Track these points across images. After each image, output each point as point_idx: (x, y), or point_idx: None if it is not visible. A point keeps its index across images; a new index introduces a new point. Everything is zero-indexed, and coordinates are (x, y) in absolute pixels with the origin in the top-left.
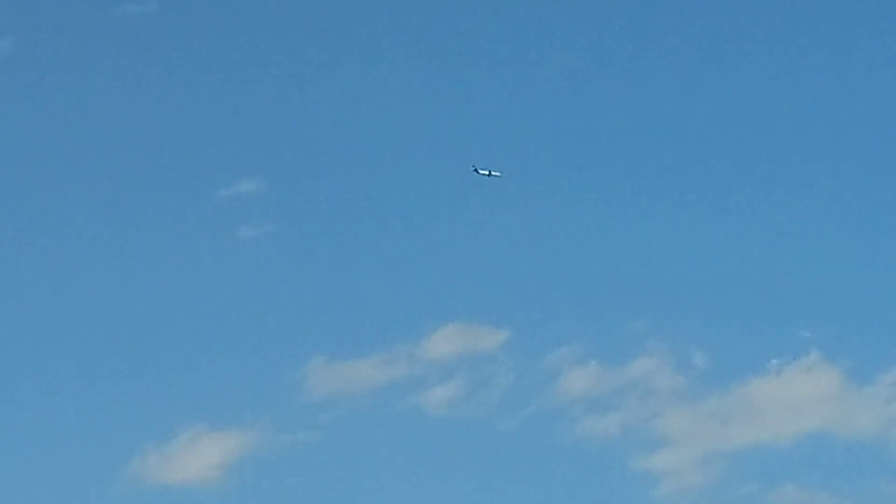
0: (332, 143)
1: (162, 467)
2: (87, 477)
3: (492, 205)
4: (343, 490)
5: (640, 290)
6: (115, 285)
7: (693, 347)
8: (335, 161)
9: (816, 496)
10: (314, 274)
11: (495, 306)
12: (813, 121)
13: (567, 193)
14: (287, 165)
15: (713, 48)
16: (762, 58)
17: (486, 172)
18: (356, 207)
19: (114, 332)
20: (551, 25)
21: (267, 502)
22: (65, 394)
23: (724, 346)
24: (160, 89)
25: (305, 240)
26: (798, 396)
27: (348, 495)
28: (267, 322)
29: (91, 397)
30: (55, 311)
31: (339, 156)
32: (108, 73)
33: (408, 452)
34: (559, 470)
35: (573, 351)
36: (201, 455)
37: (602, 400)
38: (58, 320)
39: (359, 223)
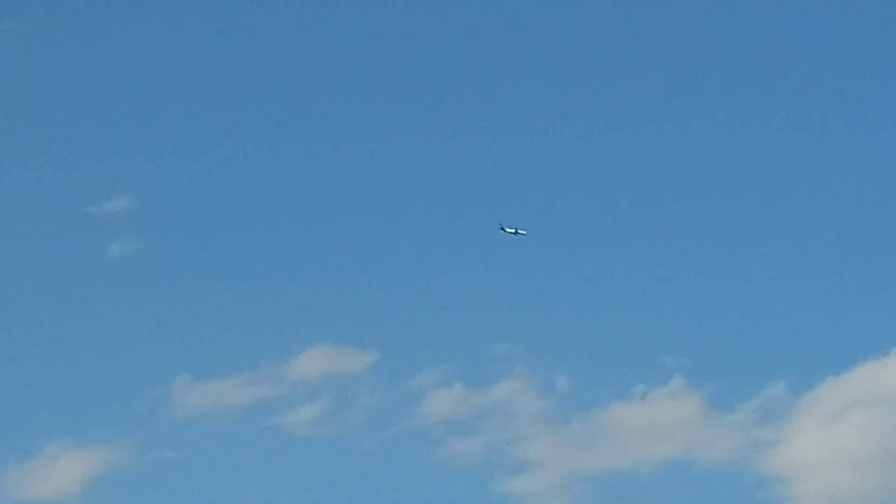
0: (201, 161)
1: (22, 483)
2: None
3: (359, 228)
4: None
5: (506, 314)
6: None
7: (557, 372)
8: (205, 179)
9: None
10: (182, 292)
11: (362, 328)
12: (685, 146)
13: (436, 218)
14: (157, 183)
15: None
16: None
17: None
18: (225, 227)
19: None
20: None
21: None
22: None
23: (588, 372)
24: (29, 105)
25: (174, 258)
26: (660, 422)
27: None
28: (133, 339)
29: None
30: None
31: (210, 175)
32: None
33: (272, 472)
34: (421, 491)
35: (438, 373)
36: (63, 471)
37: (465, 422)
38: None
39: (228, 243)
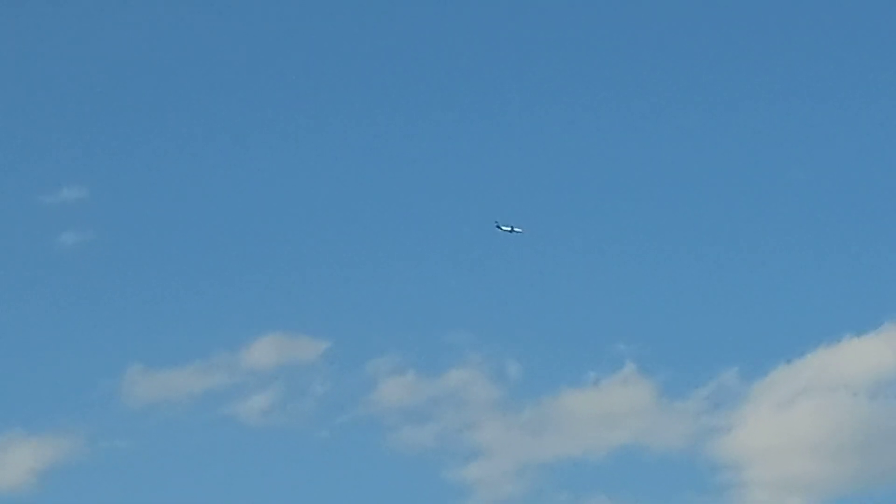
0: (153, 151)
1: None
2: None
3: (311, 217)
4: (159, 497)
5: (458, 302)
6: None
7: (509, 359)
8: (157, 169)
9: None
10: (134, 281)
11: (315, 317)
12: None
13: (388, 207)
14: (110, 173)
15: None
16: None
17: None
18: (178, 217)
19: None
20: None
21: None
22: None
23: (540, 359)
24: None
25: (127, 247)
26: (612, 409)
27: (164, 502)
28: (86, 328)
29: None
30: None
31: (162, 165)
32: None
33: (224, 461)
34: (373, 479)
35: (391, 361)
36: (15, 461)
37: (418, 410)
38: None
39: (180, 233)
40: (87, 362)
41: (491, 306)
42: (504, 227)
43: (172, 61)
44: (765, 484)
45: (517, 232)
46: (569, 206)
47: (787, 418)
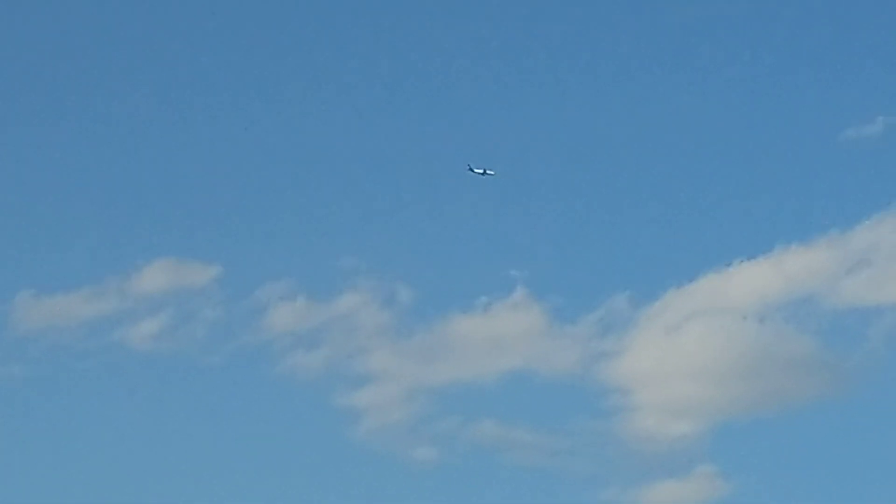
0: (44, 76)
1: None
2: None
3: (202, 141)
4: (50, 423)
5: (348, 227)
6: None
7: (399, 284)
8: (47, 93)
9: (514, 431)
10: (23, 206)
11: (206, 242)
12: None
13: (278, 132)
14: None
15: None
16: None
17: None
18: (67, 140)
19: None
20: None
21: None
22: None
23: (430, 284)
24: None
25: (14, 171)
26: (502, 334)
27: (55, 428)
28: None
29: None
30: None
31: (52, 87)
32: None
33: (115, 386)
34: (264, 404)
35: (282, 287)
36: None
37: (308, 335)
38: None
39: (69, 156)
40: None
41: (381, 232)
42: (476, 170)
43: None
44: (653, 407)
45: (489, 175)
46: (460, 130)
47: (676, 343)
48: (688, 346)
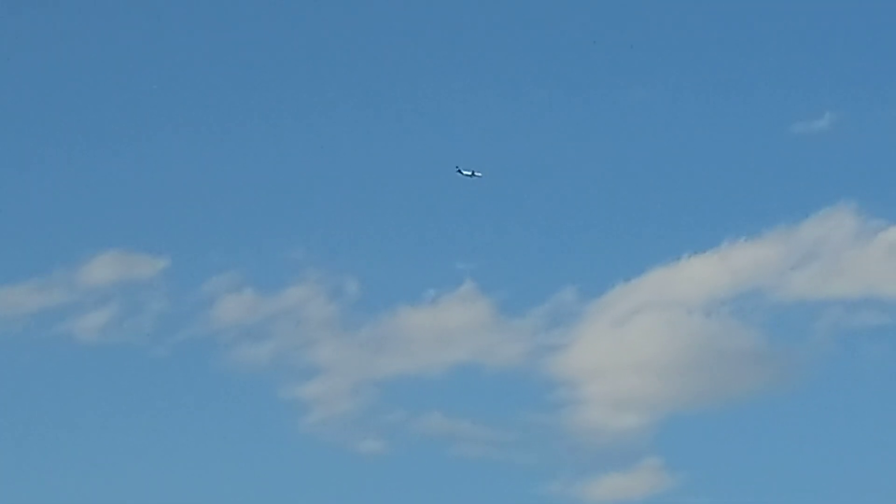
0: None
1: None
2: None
3: (151, 131)
4: None
5: (296, 218)
6: None
7: (347, 276)
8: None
9: (461, 424)
10: None
11: (153, 234)
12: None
13: (226, 119)
14: None
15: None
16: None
17: None
18: (10, 130)
19: None
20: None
21: None
22: None
23: (378, 276)
24: None
25: None
26: (449, 327)
27: (0, 420)
28: None
29: None
30: None
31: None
32: None
33: (60, 379)
34: (210, 397)
35: (229, 278)
36: None
37: (255, 328)
38: None
39: (14, 146)
40: None
41: (329, 224)
42: (465, 172)
43: None
44: (599, 400)
45: (477, 176)
46: (408, 121)
47: (623, 336)
48: (635, 340)
